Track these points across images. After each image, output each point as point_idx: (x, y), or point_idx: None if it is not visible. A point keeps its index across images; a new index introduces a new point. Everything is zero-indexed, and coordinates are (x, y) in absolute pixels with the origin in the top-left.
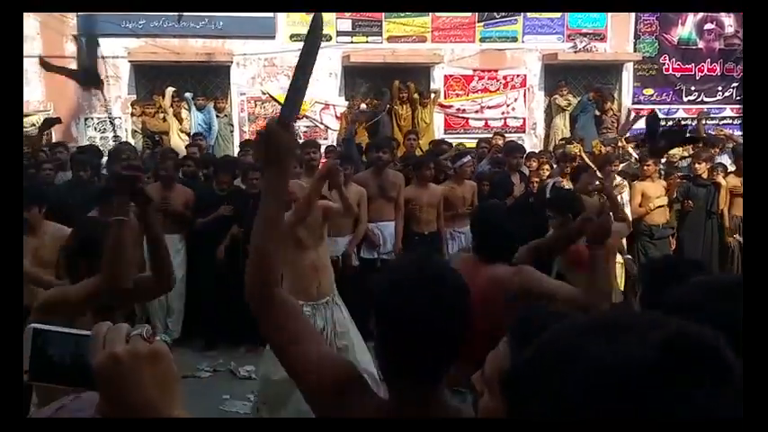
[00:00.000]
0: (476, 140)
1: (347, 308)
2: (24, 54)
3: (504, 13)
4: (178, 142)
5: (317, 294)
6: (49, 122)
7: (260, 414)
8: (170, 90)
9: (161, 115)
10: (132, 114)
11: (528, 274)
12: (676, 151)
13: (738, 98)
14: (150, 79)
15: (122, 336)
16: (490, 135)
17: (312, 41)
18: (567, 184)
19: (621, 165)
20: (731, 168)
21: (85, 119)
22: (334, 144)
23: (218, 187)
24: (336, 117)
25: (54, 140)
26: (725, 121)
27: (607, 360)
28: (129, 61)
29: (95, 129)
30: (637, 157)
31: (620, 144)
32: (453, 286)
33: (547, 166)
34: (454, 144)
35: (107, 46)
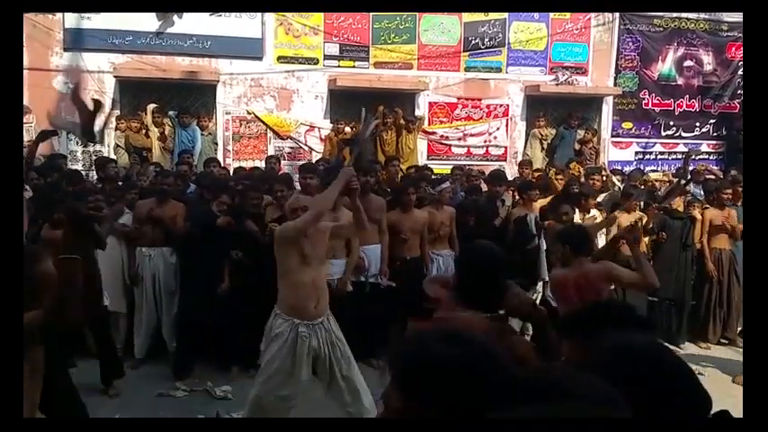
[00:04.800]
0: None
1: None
2: None
3: (488, 44)
4: (160, 158)
5: (315, 313)
6: (46, 134)
7: None
8: (151, 106)
9: (144, 131)
10: (117, 129)
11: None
12: (656, 176)
13: (715, 134)
14: (135, 95)
15: None
16: (468, 162)
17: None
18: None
19: (603, 195)
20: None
21: (67, 132)
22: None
23: (218, 208)
24: (321, 139)
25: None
26: (701, 156)
27: None
28: (115, 76)
29: (77, 142)
30: (620, 186)
31: (604, 173)
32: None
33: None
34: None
35: (93, 61)
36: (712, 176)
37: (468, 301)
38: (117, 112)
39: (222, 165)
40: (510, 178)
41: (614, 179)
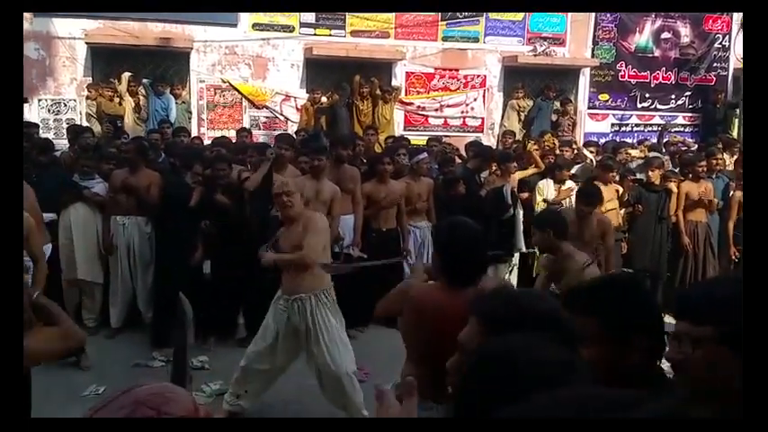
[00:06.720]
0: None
1: None
2: None
3: (467, 13)
4: (134, 127)
5: (291, 289)
6: None
7: (239, 403)
8: (126, 75)
9: (117, 99)
10: (87, 98)
11: None
12: (635, 152)
13: (691, 106)
14: (107, 62)
15: None
16: (445, 134)
17: None
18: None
19: (577, 167)
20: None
21: (38, 100)
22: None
23: (193, 180)
24: (297, 109)
25: None
26: (676, 129)
27: None
28: (86, 43)
29: (48, 110)
30: (593, 160)
31: (574, 147)
32: None
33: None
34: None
35: (64, 26)
36: (686, 148)
37: (450, 278)
38: (89, 79)
39: (197, 134)
40: None
41: (586, 152)
